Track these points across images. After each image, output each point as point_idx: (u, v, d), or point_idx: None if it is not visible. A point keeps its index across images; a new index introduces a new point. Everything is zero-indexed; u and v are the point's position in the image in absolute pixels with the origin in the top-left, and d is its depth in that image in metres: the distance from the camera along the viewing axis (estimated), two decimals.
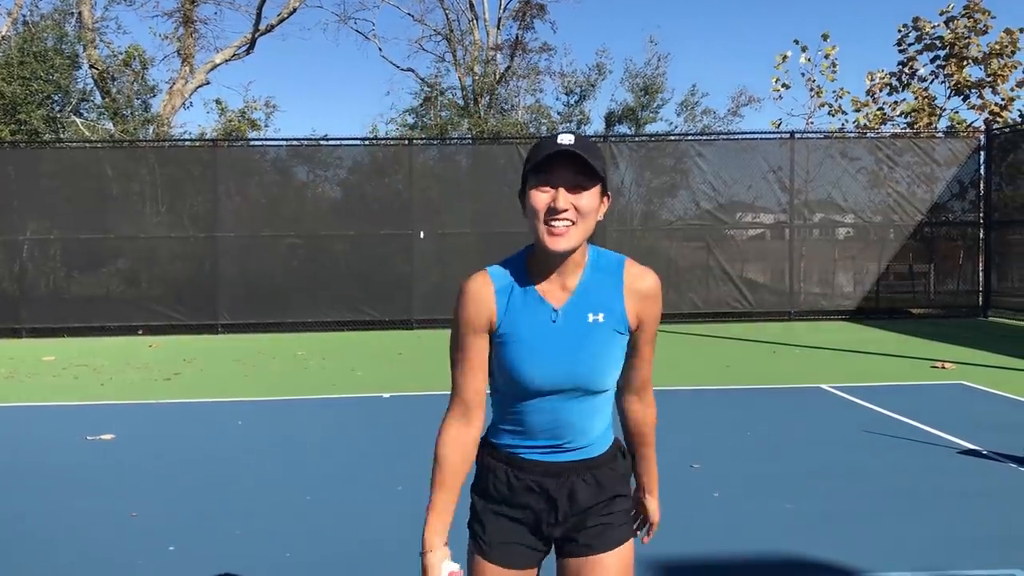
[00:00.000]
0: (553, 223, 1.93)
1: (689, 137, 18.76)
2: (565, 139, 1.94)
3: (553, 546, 2.17)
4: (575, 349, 2.00)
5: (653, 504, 2.35)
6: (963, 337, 12.59)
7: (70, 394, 9.13)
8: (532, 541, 2.13)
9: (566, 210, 1.92)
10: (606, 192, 2.01)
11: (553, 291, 2.02)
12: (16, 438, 7.11)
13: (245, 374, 10.33)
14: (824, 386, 8.76)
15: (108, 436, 6.95)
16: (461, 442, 2.08)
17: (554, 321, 2.01)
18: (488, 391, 2.10)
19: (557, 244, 1.94)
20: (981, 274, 15.91)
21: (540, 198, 1.94)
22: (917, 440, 6.41)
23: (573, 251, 1.97)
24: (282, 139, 16.83)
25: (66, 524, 4.83)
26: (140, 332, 14.52)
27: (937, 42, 20.71)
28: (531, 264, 2.04)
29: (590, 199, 1.95)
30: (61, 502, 5.24)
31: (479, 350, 2.04)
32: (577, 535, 2.12)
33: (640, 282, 2.05)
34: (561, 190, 1.93)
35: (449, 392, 2.11)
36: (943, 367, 9.84)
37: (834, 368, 10.05)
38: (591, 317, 2.01)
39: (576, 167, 1.93)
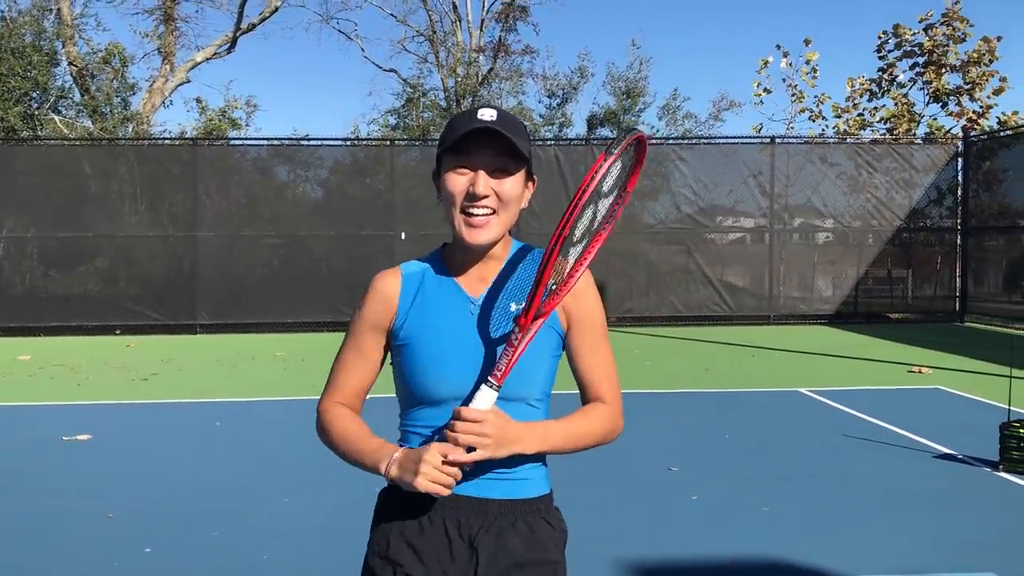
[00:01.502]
0: (472, 211, 1.70)
1: (670, 141, 18.82)
2: (486, 114, 1.69)
3: None
4: (494, 344, 1.73)
5: (513, 428, 1.66)
6: (940, 342, 12.70)
7: (46, 394, 9.05)
8: None
9: (486, 196, 1.69)
10: (531, 175, 1.79)
11: (470, 283, 1.79)
12: None
13: (224, 375, 10.27)
14: (802, 390, 8.81)
15: (84, 436, 6.89)
16: (344, 409, 1.89)
17: (472, 313, 1.76)
18: (398, 423, 1.83)
19: (476, 236, 1.71)
20: (958, 280, 16.07)
21: (457, 182, 1.70)
22: (893, 444, 6.46)
23: (494, 243, 1.75)
24: (263, 138, 16.77)
25: (41, 525, 4.78)
26: (118, 332, 14.40)
27: (916, 49, 20.90)
28: (447, 257, 1.82)
29: (514, 184, 1.72)
30: (37, 503, 5.19)
31: (371, 345, 1.83)
32: None
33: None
34: (481, 173, 1.69)
35: None
36: (920, 371, 9.93)
37: (812, 372, 10.11)
38: (513, 306, 1.75)
39: (498, 147, 1.68)
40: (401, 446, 1.77)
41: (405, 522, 1.77)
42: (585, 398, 1.87)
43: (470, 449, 1.62)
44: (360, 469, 1.79)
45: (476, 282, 1.79)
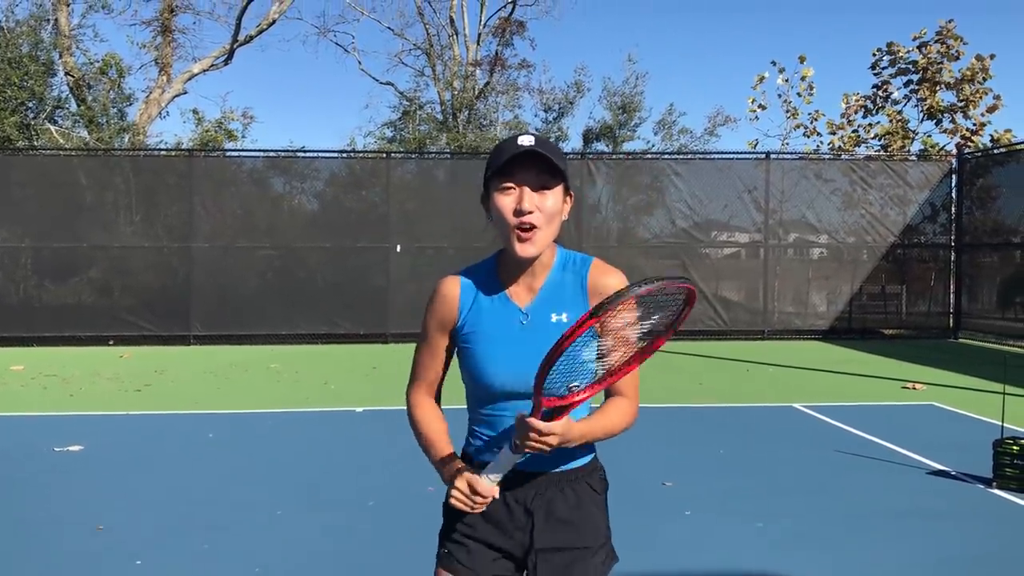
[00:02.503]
0: (520, 228, 1.92)
1: (666, 156, 18.91)
2: (526, 140, 1.91)
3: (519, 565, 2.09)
4: (538, 351, 1.85)
5: (559, 426, 1.83)
6: (934, 358, 12.72)
7: (38, 404, 9.01)
8: (504, 567, 2.07)
9: (531, 212, 1.91)
10: (569, 191, 2.00)
11: (520, 292, 2.02)
12: None
13: (217, 386, 10.24)
14: (796, 405, 8.82)
15: (76, 447, 6.86)
16: (431, 404, 2.17)
17: (523, 322, 2.00)
18: (466, 404, 2.12)
19: (526, 250, 1.93)
20: (952, 296, 16.11)
21: (505, 201, 1.93)
22: (887, 460, 6.46)
23: (541, 254, 1.97)
24: (259, 150, 16.80)
25: (32, 536, 4.76)
26: (111, 342, 14.36)
27: (910, 67, 21.02)
28: (500, 267, 2.06)
29: (555, 199, 1.94)
30: (27, 513, 5.16)
31: (440, 343, 2.11)
32: (548, 557, 2.02)
33: (603, 280, 2.01)
34: (526, 190, 1.92)
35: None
36: (914, 388, 9.94)
37: (806, 387, 10.12)
38: (554, 317, 1.99)
39: (539, 167, 1.91)
40: (470, 437, 2.12)
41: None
42: (609, 391, 2.09)
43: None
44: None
45: (524, 292, 2.03)
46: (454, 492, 1.93)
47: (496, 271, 2.06)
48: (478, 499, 1.91)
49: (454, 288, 2.06)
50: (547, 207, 1.93)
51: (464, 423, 2.17)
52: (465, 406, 2.15)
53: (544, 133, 25.65)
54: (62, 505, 5.36)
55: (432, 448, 2.08)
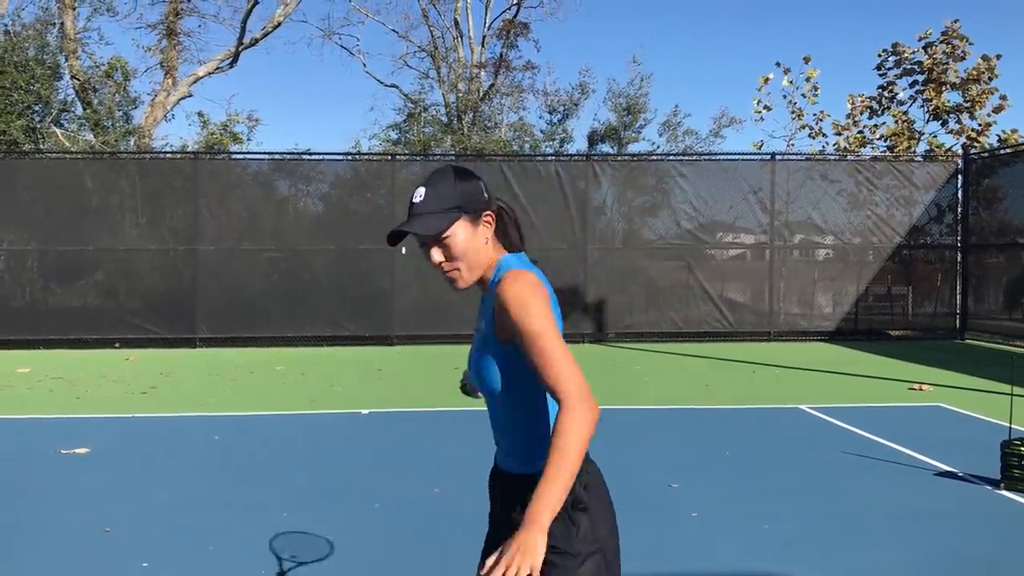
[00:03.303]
0: (444, 274, 2.10)
1: (671, 157, 18.86)
2: (417, 194, 2.09)
3: None
4: (473, 355, 2.16)
5: (520, 535, 1.76)
6: (940, 359, 12.69)
7: (45, 407, 9.03)
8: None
9: (440, 262, 2.08)
10: (476, 211, 2.08)
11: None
12: None
13: (223, 388, 10.25)
14: (802, 406, 8.80)
15: (83, 450, 6.87)
16: None
17: (478, 332, 2.17)
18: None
19: (458, 286, 2.11)
20: (958, 297, 16.07)
21: (427, 258, 2.11)
22: (893, 461, 6.45)
23: (471, 284, 2.12)
24: (264, 153, 16.81)
25: (39, 539, 4.76)
26: (117, 345, 14.39)
27: (916, 67, 20.98)
28: None
29: (457, 242, 2.06)
30: (34, 516, 5.17)
31: None
32: None
33: (500, 288, 1.99)
34: (427, 248, 2.09)
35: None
36: (920, 389, 9.91)
37: (812, 388, 10.10)
38: (477, 326, 2.18)
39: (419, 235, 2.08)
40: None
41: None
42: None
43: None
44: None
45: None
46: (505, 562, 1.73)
47: None
48: None
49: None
50: (452, 252, 2.07)
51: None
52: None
53: (550, 134, 25.66)
54: (69, 507, 5.37)
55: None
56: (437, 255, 2.07)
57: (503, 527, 2.17)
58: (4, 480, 6.04)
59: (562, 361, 1.89)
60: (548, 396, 2.06)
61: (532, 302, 1.94)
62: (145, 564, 4.35)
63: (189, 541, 4.72)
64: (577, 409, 1.84)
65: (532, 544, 1.73)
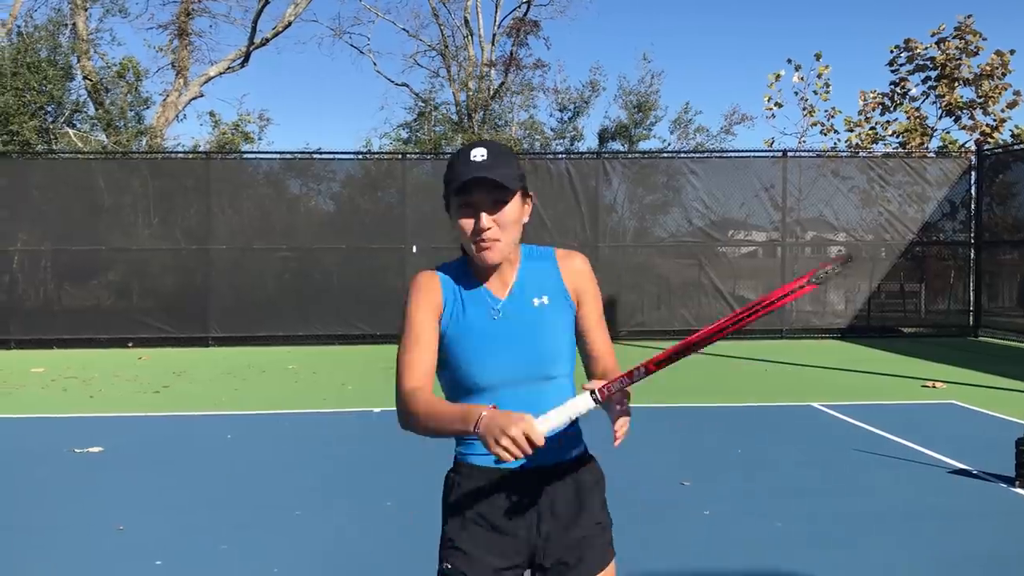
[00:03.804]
0: (482, 240, 2.00)
1: (682, 154, 18.84)
2: (477, 154, 1.98)
3: (529, 571, 2.12)
4: (526, 336, 2.05)
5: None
6: (954, 356, 12.62)
7: (59, 406, 9.08)
8: (512, 564, 2.07)
9: (489, 228, 1.99)
10: (527, 193, 2.09)
11: (496, 286, 2.09)
12: (3, 450, 7.06)
13: (235, 387, 10.28)
14: (815, 404, 8.76)
15: (96, 449, 6.90)
16: (426, 392, 2.00)
17: (495, 317, 2.06)
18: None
19: (488, 257, 2.02)
20: (972, 294, 15.98)
21: (464, 221, 2.01)
22: (907, 459, 6.42)
23: (501, 260, 2.05)
24: (275, 152, 16.84)
25: (52, 537, 4.79)
26: (130, 344, 14.45)
27: (929, 63, 20.87)
28: (471, 266, 2.11)
29: (511, 211, 2.01)
30: (48, 515, 5.20)
31: (430, 332, 2.05)
32: (557, 554, 2.07)
33: (570, 260, 2.15)
34: (482, 212, 1.99)
35: None
36: (933, 386, 9.86)
37: (825, 386, 10.06)
38: (536, 302, 2.09)
39: (492, 186, 1.98)
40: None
41: (475, 507, 2.06)
42: (594, 366, 2.17)
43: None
44: (445, 436, 1.95)
45: (500, 287, 2.09)
46: (507, 443, 1.73)
47: (469, 268, 2.11)
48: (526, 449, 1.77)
49: (435, 281, 2.10)
50: (504, 220, 2.00)
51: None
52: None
53: (560, 132, 25.63)
54: (82, 506, 5.40)
55: (441, 410, 1.91)
56: (487, 219, 1.99)
57: (537, 538, 2.07)
58: (19, 478, 6.08)
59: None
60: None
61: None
62: (159, 562, 4.37)
63: (202, 539, 4.74)
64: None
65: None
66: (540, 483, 2.08)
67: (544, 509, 2.07)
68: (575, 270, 2.13)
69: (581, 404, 1.88)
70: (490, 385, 2.03)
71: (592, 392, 1.89)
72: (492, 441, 1.75)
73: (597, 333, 2.18)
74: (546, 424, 1.82)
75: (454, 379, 2.08)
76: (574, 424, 2.07)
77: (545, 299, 2.09)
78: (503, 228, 2.00)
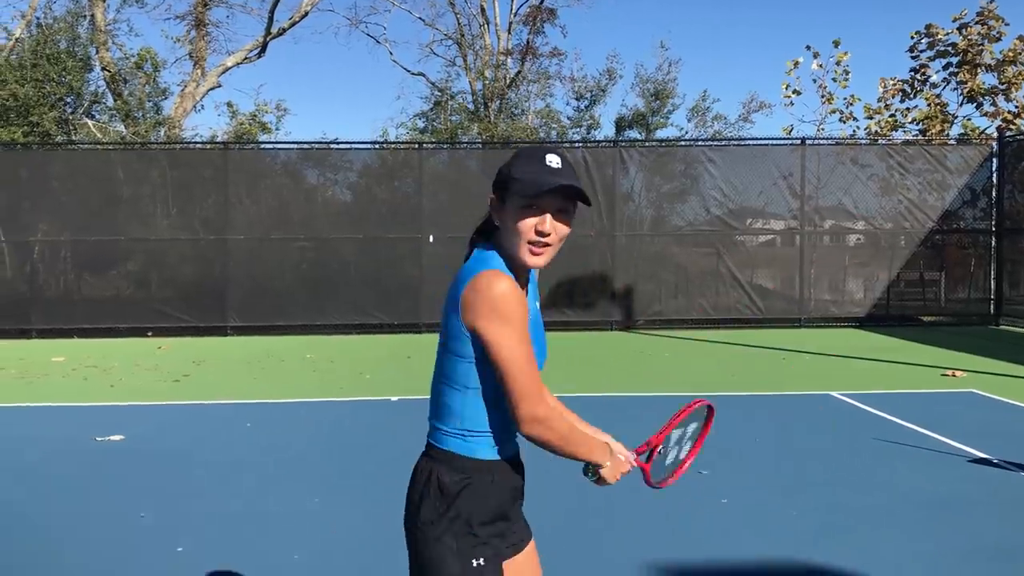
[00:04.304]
0: (536, 245, 2.02)
1: (700, 143, 18.74)
2: (554, 161, 2.01)
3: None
4: (542, 334, 2.19)
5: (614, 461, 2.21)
6: (974, 345, 12.53)
7: (80, 395, 9.16)
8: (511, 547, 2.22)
9: (550, 235, 2.02)
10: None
11: (522, 284, 2.13)
12: (26, 438, 7.13)
13: (254, 376, 10.35)
14: (834, 393, 8.73)
15: (117, 437, 6.97)
16: (560, 410, 2.22)
17: (536, 306, 2.21)
18: (454, 400, 2.07)
19: (535, 262, 2.04)
20: (993, 282, 15.84)
21: (528, 222, 2.00)
22: (926, 448, 6.38)
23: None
24: (293, 142, 16.89)
25: (75, 525, 4.84)
26: (150, 334, 14.56)
27: (950, 49, 20.65)
28: (511, 266, 2.08)
29: (569, 222, 2.06)
30: (70, 502, 5.25)
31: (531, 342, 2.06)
32: (521, 533, 2.24)
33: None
34: (548, 216, 2.01)
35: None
36: (953, 375, 9.79)
37: (844, 375, 10.01)
38: (536, 304, 2.24)
39: (567, 195, 2.02)
40: (475, 440, 2.09)
41: (491, 505, 2.11)
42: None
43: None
44: (565, 456, 2.09)
45: (522, 284, 2.13)
46: (623, 465, 2.17)
47: (510, 266, 2.08)
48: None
49: (513, 283, 2.02)
50: (562, 231, 2.04)
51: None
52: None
53: (577, 120, 25.57)
54: (105, 494, 5.45)
55: (582, 439, 2.10)
56: (549, 225, 2.01)
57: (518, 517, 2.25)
58: (41, 467, 6.15)
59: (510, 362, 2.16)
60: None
61: None
62: (180, 549, 4.41)
63: (223, 526, 4.78)
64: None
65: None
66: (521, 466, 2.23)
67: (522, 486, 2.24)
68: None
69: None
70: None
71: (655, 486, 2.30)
72: (614, 476, 2.14)
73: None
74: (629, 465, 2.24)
75: (496, 386, 2.04)
76: None
77: (538, 304, 2.24)
78: (559, 238, 2.04)
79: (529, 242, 2.01)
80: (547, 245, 2.02)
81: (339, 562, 4.26)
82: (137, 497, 5.33)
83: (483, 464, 2.07)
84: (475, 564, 2.03)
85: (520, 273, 2.09)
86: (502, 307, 1.95)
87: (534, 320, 2.12)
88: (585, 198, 2.03)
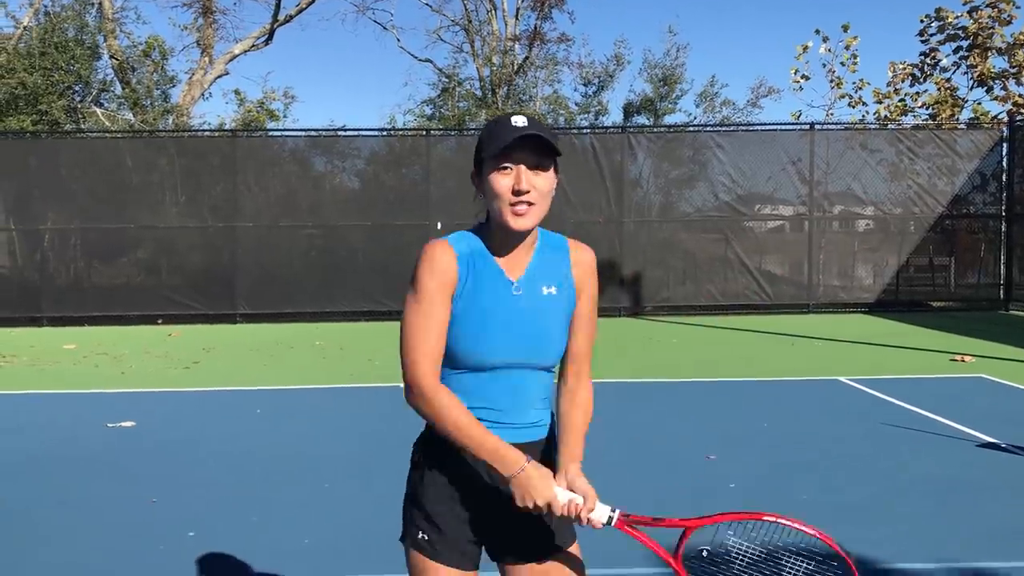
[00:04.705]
0: (517, 204, 1.96)
1: (708, 128, 18.69)
2: (520, 121, 1.97)
3: (488, 548, 2.14)
4: (532, 322, 2.04)
5: (577, 473, 2.01)
6: (983, 330, 12.49)
7: (91, 382, 9.22)
8: (479, 537, 2.11)
9: (528, 191, 1.96)
10: (557, 170, 2.05)
11: (511, 266, 2.06)
12: (38, 425, 7.19)
13: (263, 363, 10.39)
14: (842, 378, 8.72)
15: (128, 423, 7.01)
16: (452, 398, 2.00)
17: (516, 293, 2.04)
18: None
19: (520, 224, 1.97)
20: (1002, 267, 15.78)
21: (503, 182, 1.96)
22: (935, 433, 6.38)
23: (532, 230, 2.03)
24: (300, 130, 16.92)
25: (87, 510, 4.88)
26: (160, 321, 14.63)
27: (960, 32, 20.50)
28: (488, 240, 2.06)
29: (548, 180, 1.99)
30: (82, 488, 5.30)
31: (444, 312, 2.01)
32: (521, 532, 2.07)
33: (581, 253, 2.14)
34: (522, 170, 1.96)
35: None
36: (962, 360, 9.77)
37: (852, 360, 10.00)
38: (545, 290, 2.07)
39: (535, 149, 1.96)
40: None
41: (457, 476, 2.08)
42: (568, 356, 2.15)
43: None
44: (463, 448, 1.99)
45: (515, 266, 2.06)
46: (530, 506, 1.93)
47: (485, 244, 2.06)
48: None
49: (450, 255, 2.02)
50: (541, 186, 1.97)
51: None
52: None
53: (585, 106, 25.51)
54: (116, 479, 5.49)
55: (481, 440, 1.95)
56: (527, 182, 1.95)
57: (503, 502, 2.02)
58: (54, 452, 6.19)
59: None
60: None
61: None
62: (191, 533, 4.45)
63: (233, 512, 4.81)
64: (591, 393, 2.13)
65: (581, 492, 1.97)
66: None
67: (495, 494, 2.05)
68: (583, 263, 2.13)
69: (598, 514, 1.97)
70: (484, 365, 2.02)
71: (612, 516, 1.99)
72: (521, 497, 1.92)
73: (582, 332, 2.14)
74: (564, 508, 1.94)
75: (451, 353, 2.02)
76: (546, 398, 2.13)
77: (553, 289, 2.08)
78: (539, 194, 1.98)
79: (510, 204, 1.96)
80: (530, 204, 1.96)
81: (348, 547, 4.29)
82: (148, 482, 5.37)
83: (435, 439, 2.08)
84: (420, 536, 2.10)
85: (511, 246, 2.05)
86: (413, 273, 2.03)
87: (508, 304, 2.03)
88: (553, 147, 1.96)
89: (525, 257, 2.07)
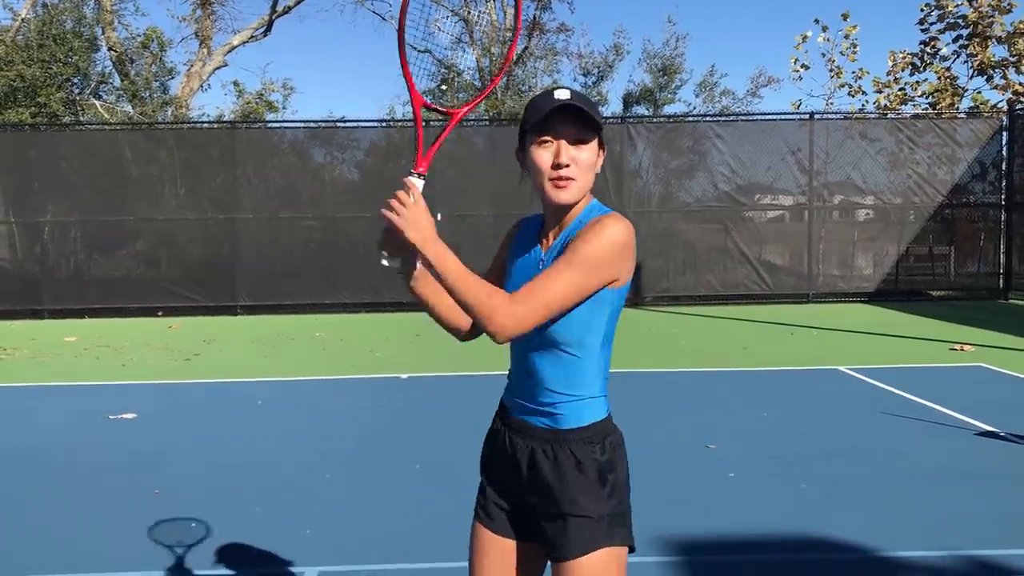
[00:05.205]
0: (558, 179, 1.97)
1: (707, 118, 18.65)
2: (562, 94, 1.96)
3: (516, 526, 2.15)
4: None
5: (425, 223, 2.09)
6: (983, 319, 12.50)
7: (92, 374, 9.24)
8: (507, 505, 2.14)
9: (568, 164, 1.96)
10: (603, 144, 2.05)
11: (549, 238, 2.09)
12: (39, 417, 7.21)
13: (264, 355, 10.41)
14: (842, 368, 8.74)
15: (130, 415, 7.03)
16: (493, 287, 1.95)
17: (540, 266, 2.05)
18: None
19: (561, 196, 1.99)
20: (1002, 256, 15.79)
21: (543, 155, 1.98)
22: (934, 422, 6.40)
23: (576, 203, 2.02)
24: (299, 121, 16.89)
25: (89, 502, 4.90)
26: (160, 313, 14.64)
27: (960, 21, 20.47)
28: (544, 218, 2.13)
29: (590, 152, 1.99)
30: (84, 480, 5.32)
31: (499, 266, 2.20)
32: (543, 522, 2.04)
33: (592, 219, 1.99)
34: (563, 144, 1.96)
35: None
36: (962, 349, 9.79)
37: (852, 350, 10.01)
38: (544, 250, 2.10)
39: (576, 121, 1.96)
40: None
41: (490, 441, 2.20)
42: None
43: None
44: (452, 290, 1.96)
45: (552, 237, 2.08)
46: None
47: (541, 218, 2.14)
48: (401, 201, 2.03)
49: (515, 227, 2.21)
50: (583, 160, 1.98)
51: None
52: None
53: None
54: (119, 471, 5.51)
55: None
56: (566, 155, 1.96)
57: (525, 492, 2.06)
58: (56, 444, 6.21)
59: (550, 292, 1.91)
60: (605, 349, 2.11)
61: (610, 247, 1.94)
62: (193, 524, 4.47)
63: (236, 503, 4.83)
64: (500, 317, 1.89)
65: (415, 232, 2.07)
66: (528, 442, 2.06)
67: (523, 467, 2.06)
68: (586, 225, 1.97)
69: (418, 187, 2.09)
70: None
71: (413, 174, 2.10)
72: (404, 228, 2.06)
73: (535, 275, 1.97)
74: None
75: None
76: (572, 386, 2.02)
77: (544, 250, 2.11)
78: (581, 168, 1.97)
79: (550, 178, 1.97)
80: (570, 178, 1.96)
81: (350, 537, 4.31)
82: (150, 474, 5.39)
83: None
84: (477, 500, 2.23)
85: (555, 220, 2.06)
86: None
87: (528, 275, 2.01)
88: (595, 121, 1.95)
89: (562, 229, 2.06)
